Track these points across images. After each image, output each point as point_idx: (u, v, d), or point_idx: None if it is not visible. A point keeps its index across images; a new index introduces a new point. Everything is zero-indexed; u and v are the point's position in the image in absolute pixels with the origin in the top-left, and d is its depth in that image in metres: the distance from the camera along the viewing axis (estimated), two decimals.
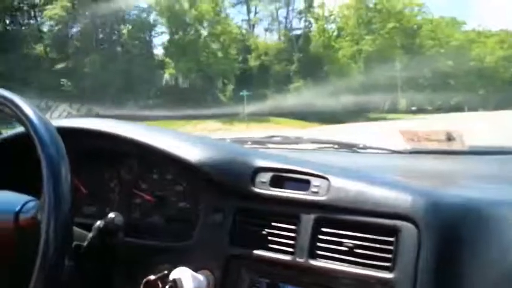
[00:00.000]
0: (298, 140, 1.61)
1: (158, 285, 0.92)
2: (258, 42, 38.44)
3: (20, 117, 0.85)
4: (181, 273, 0.90)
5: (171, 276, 0.90)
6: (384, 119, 33.48)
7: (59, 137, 0.83)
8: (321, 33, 38.24)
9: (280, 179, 0.95)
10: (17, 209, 0.88)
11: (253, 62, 36.54)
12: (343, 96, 33.77)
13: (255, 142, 1.58)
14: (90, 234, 0.93)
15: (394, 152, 1.39)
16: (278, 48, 37.60)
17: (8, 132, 1.26)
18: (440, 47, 48.33)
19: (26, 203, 0.89)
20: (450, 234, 0.77)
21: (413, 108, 44.64)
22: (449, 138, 1.27)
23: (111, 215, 0.92)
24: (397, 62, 41.74)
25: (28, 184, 1.00)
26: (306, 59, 36.12)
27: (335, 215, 0.86)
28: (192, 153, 1.02)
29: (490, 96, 48.31)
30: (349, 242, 0.83)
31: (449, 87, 46.95)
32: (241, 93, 29.19)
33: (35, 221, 0.84)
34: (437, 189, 0.87)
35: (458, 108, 43.99)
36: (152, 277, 0.93)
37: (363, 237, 0.82)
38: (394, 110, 42.35)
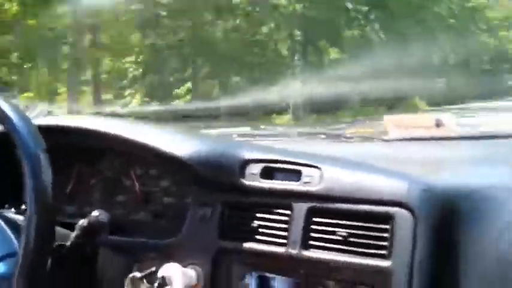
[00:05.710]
0: (284, 132, 1.61)
1: (144, 282, 0.90)
2: None
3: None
4: (171, 270, 0.88)
5: (160, 273, 0.88)
6: None
7: (39, 134, 0.82)
8: None
9: (270, 170, 0.93)
10: None
11: None
12: None
13: (241, 135, 1.57)
14: (74, 234, 0.91)
15: (381, 140, 1.38)
16: None
17: None
18: None
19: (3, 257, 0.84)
20: (446, 219, 0.76)
21: None
22: (438, 124, 1.27)
23: (95, 213, 0.91)
24: None
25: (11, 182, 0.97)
26: None
27: (328, 204, 0.84)
28: (178, 147, 0.99)
29: None
30: (344, 231, 0.81)
31: None
32: None
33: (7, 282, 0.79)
34: (430, 175, 0.87)
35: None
36: (138, 274, 0.91)
37: (357, 225, 0.81)
38: None
